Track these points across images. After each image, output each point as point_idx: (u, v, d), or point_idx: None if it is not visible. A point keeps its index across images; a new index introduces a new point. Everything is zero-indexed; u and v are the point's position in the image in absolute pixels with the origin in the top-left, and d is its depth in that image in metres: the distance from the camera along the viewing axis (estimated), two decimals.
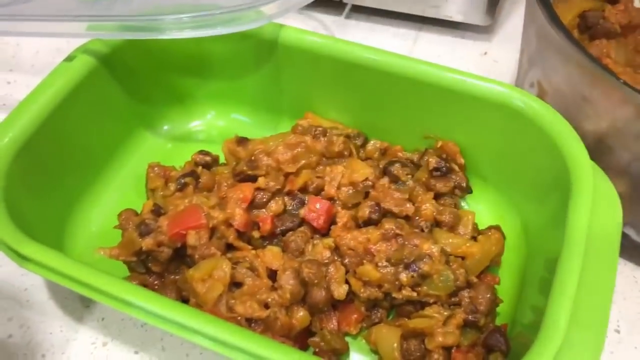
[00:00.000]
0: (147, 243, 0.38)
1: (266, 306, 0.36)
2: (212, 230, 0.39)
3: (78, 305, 0.43)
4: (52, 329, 0.42)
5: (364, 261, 0.38)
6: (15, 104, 0.41)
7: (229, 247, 0.40)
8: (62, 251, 0.43)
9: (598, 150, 0.40)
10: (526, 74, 0.46)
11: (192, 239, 0.38)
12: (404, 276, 0.37)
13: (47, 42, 0.62)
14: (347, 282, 0.39)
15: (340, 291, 0.38)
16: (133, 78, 0.48)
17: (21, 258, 0.35)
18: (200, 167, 0.44)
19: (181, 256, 0.40)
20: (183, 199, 0.40)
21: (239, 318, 0.35)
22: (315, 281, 0.37)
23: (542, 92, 0.43)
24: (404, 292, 0.37)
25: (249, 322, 0.35)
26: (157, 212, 0.40)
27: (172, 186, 0.42)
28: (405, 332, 0.37)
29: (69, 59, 0.44)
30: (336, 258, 0.39)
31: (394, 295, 0.38)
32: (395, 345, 0.37)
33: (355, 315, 0.39)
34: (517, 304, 0.41)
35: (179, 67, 0.50)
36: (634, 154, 0.38)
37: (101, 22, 0.43)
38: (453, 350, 0.36)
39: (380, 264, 0.38)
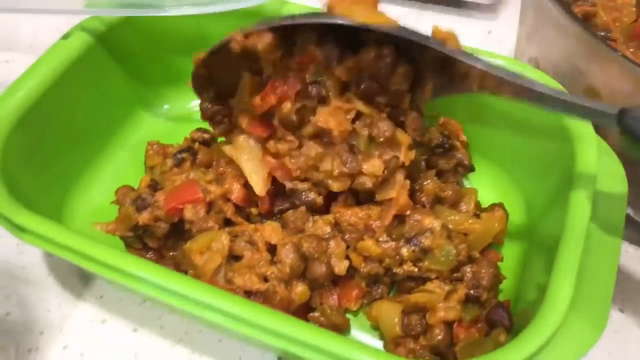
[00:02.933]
0: (143, 218, 0.37)
1: (265, 280, 0.36)
2: (210, 205, 0.38)
3: (77, 282, 0.43)
4: (51, 306, 0.42)
5: (365, 237, 0.38)
6: None
7: (227, 223, 0.39)
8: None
9: (594, 128, 0.39)
10: (523, 51, 0.45)
11: (189, 213, 0.37)
12: (405, 251, 0.36)
13: (46, 22, 0.61)
14: (347, 257, 0.38)
15: (341, 267, 0.37)
16: (131, 57, 0.48)
17: (17, 229, 0.35)
18: (197, 144, 0.43)
19: (179, 232, 0.39)
20: (180, 174, 0.40)
21: (238, 290, 0.34)
22: (316, 256, 0.36)
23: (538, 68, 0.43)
24: (405, 267, 0.37)
25: (248, 295, 0.35)
26: (154, 187, 0.39)
27: (169, 162, 0.41)
28: (406, 307, 0.37)
29: (66, 36, 0.44)
30: (336, 234, 0.39)
31: (395, 270, 0.37)
32: (396, 320, 0.36)
33: (356, 291, 0.39)
34: (520, 281, 0.40)
35: (178, 47, 0.49)
36: None
37: None
38: (455, 326, 0.36)
39: (381, 239, 0.37)
